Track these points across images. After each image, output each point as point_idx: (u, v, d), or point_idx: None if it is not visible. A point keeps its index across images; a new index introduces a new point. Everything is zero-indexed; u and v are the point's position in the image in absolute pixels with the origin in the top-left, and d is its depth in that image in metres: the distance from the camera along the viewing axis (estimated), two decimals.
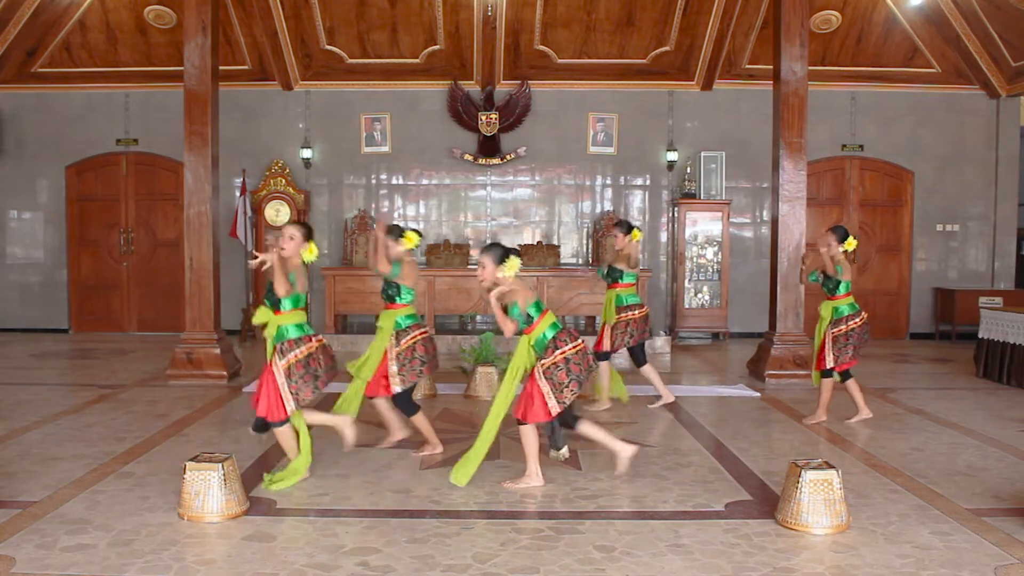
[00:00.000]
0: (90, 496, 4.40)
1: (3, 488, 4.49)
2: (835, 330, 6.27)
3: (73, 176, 12.05)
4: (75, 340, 11.42)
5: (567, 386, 4.52)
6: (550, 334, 4.60)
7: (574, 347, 4.59)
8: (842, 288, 6.32)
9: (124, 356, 9.87)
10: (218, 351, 8.06)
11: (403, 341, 5.15)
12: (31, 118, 11.92)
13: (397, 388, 5.11)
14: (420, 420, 5.29)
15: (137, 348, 10.60)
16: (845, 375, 6.38)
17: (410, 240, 5.26)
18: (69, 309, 12.13)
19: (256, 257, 4.56)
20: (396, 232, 5.29)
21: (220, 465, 4.04)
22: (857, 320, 6.31)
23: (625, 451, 4.79)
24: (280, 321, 4.58)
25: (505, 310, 4.61)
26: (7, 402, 6.97)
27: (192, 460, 4.10)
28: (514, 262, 4.58)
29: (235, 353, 8.64)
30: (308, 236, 4.67)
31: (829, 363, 6.27)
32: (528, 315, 4.59)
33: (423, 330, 5.26)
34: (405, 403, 5.21)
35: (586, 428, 4.75)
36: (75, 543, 3.72)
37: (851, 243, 6.31)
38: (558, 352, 4.55)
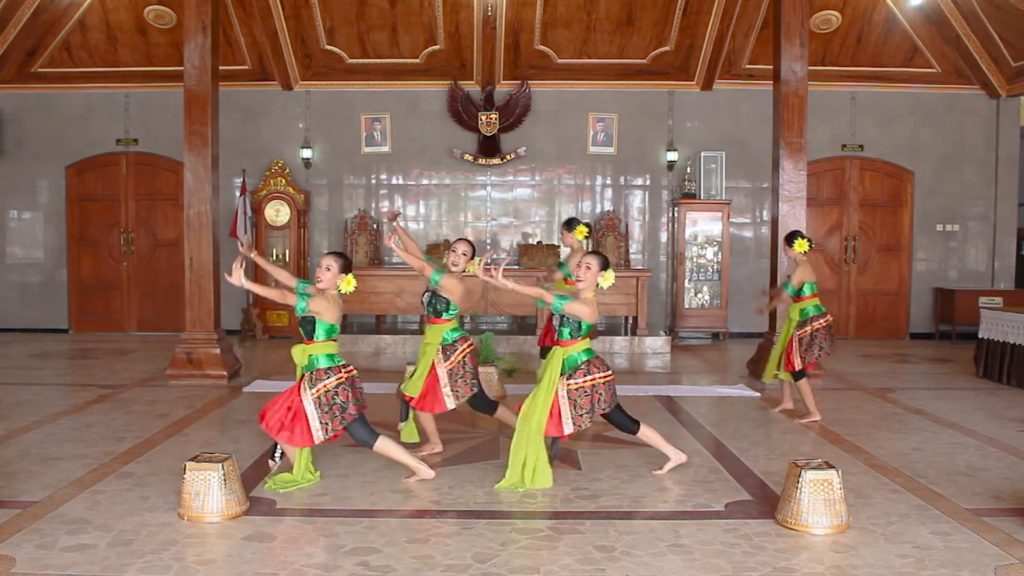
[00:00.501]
0: (90, 496, 4.40)
1: (3, 488, 4.49)
2: (799, 332, 6.44)
3: (73, 176, 12.05)
4: (75, 340, 11.42)
5: (588, 412, 4.57)
6: (584, 357, 4.62)
7: (605, 376, 4.63)
8: (806, 289, 6.51)
9: (124, 356, 9.87)
10: (218, 351, 8.06)
11: (452, 357, 5.10)
12: (31, 118, 11.92)
13: (451, 405, 5.07)
14: (426, 418, 5.25)
15: (137, 348, 10.60)
16: (799, 375, 6.48)
17: (470, 266, 5.18)
18: (69, 309, 12.13)
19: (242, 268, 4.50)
20: (472, 251, 5.25)
21: (220, 465, 4.04)
22: (821, 321, 6.44)
23: (678, 458, 4.92)
24: (311, 351, 4.54)
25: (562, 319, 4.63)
26: (7, 402, 6.97)
27: (192, 460, 4.10)
28: (610, 275, 4.66)
29: (235, 353, 8.65)
30: (346, 268, 4.61)
31: (797, 365, 6.40)
32: (579, 326, 4.60)
33: (470, 343, 5.22)
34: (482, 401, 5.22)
35: (645, 431, 4.85)
36: (75, 543, 3.72)
37: (801, 244, 6.50)
38: (589, 377, 4.58)
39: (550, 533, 3.90)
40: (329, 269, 4.57)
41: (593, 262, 4.67)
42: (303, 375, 4.55)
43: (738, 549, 3.71)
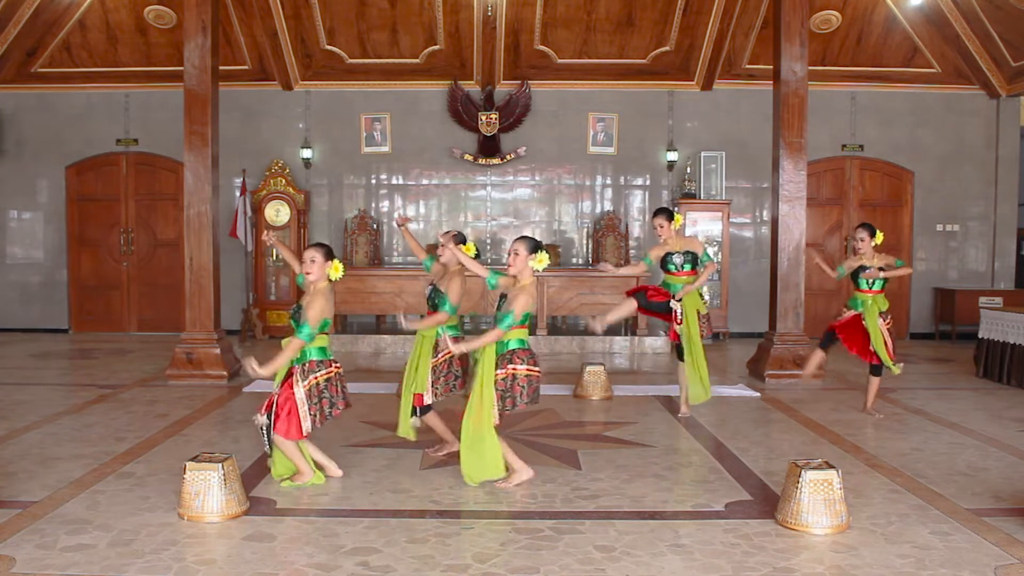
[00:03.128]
0: (90, 496, 4.40)
1: (3, 488, 4.49)
2: (886, 324, 6.62)
3: (73, 176, 12.05)
4: (75, 340, 11.42)
5: (509, 401, 4.51)
6: (514, 346, 4.55)
7: (528, 370, 4.56)
8: (878, 284, 6.58)
9: (124, 356, 9.87)
10: (218, 351, 8.06)
11: (441, 354, 5.10)
12: (31, 118, 11.92)
13: (428, 400, 5.07)
14: (433, 419, 5.20)
15: (137, 348, 10.59)
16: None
17: (468, 249, 5.11)
18: (69, 309, 12.12)
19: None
20: (460, 239, 5.21)
21: (220, 465, 4.04)
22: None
23: (526, 473, 4.69)
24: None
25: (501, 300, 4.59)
26: (7, 402, 6.97)
27: (192, 460, 4.10)
28: (543, 256, 4.55)
29: (235, 353, 8.64)
30: (329, 255, 4.64)
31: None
32: (516, 319, 4.50)
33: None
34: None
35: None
36: (75, 543, 3.72)
37: (879, 237, 6.55)
38: (511, 367, 4.51)
39: (550, 533, 3.89)
40: (314, 261, 4.60)
41: (521, 247, 4.57)
42: (292, 367, 4.57)
43: (738, 549, 3.71)
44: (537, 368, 4.62)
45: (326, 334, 4.64)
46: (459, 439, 4.80)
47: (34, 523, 3.96)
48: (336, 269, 4.59)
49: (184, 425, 6.15)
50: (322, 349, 4.60)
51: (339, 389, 4.62)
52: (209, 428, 6.12)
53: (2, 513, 4.07)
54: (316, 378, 4.52)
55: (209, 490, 4.00)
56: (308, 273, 4.60)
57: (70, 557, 3.56)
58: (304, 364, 4.54)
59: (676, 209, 11.55)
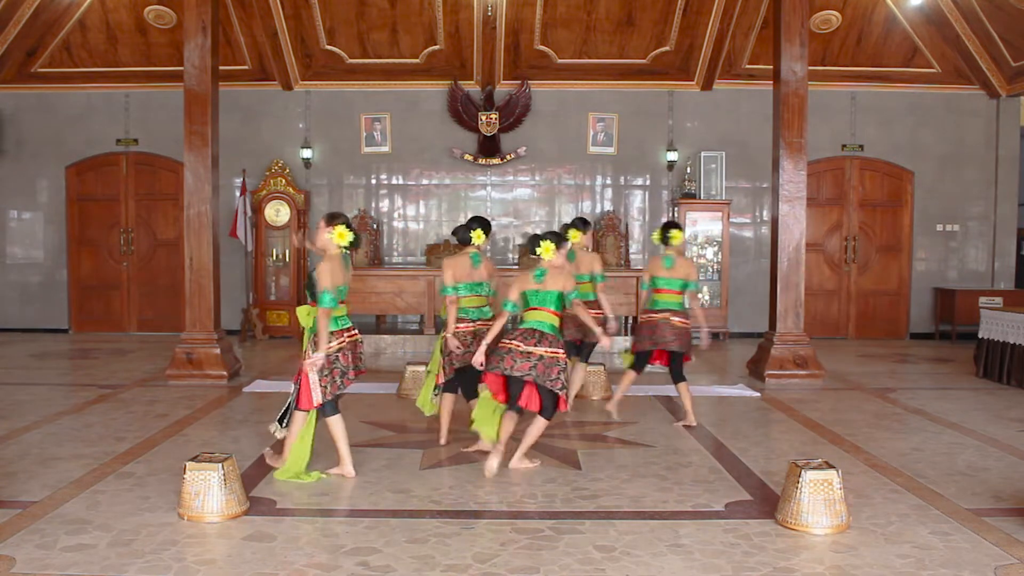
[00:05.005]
0: (90, 496, 4.40)
1: (3, 488, 4.49)
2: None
3: (73, 176, 12.05)
4: (75, 340, 11.42)
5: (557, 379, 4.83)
6: (546, 330, 4.83)
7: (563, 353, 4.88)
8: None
9: (124, 356, 9.87)
10: (218, 351, 8.06)
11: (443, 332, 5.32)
12: (31, 118, 11.91)
13: (441, 377, 5.36)
14: (445, 408, 5.46)
15: (137, 348, 10.59)
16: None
17: (478, 236, 5.30)
18: (69, 309, 12.12)
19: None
20: (485, 226, 5.38)
21: (220, 465, 4.04)
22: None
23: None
24: (316, 313, 4.59)
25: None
26: (7, 402, 6.97)
27: (192, 460, 4.10)
28: (547, 245, 4.84)
29: (235, 353, 8.64)
30: (330, 221, 4.64)
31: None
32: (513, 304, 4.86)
33: (461, 325, 5.30)
34: (467, 385, 5.38)
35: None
36: (75, 543, 3.72)
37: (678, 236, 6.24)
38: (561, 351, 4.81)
39: (550, 533, 3.89)
40: (318, 228, 4.68)
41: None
42: (310, 338, 4.63)
43: (738, 549, 3.71)
44: (563, 352, 4.84)
45: (341, 303, 4.65)
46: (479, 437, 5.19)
47: (34, 523, 3.96)
48: (341, 236, 4.58)
49: (184, 425, 6.14)
50: (335, 319, 4.62)
51: (351, 358, 4.66)
52: (209, 428, 6.12)
53: (2, 513, 4.07)
54: (327, 348, 4.55)
55: (209, 490, 4.00)
56: (315, 243, 4.71)
57: (70, 557, 3.56)
58: (316, 335, 4.57)
59: (676, 209, 11.55)
